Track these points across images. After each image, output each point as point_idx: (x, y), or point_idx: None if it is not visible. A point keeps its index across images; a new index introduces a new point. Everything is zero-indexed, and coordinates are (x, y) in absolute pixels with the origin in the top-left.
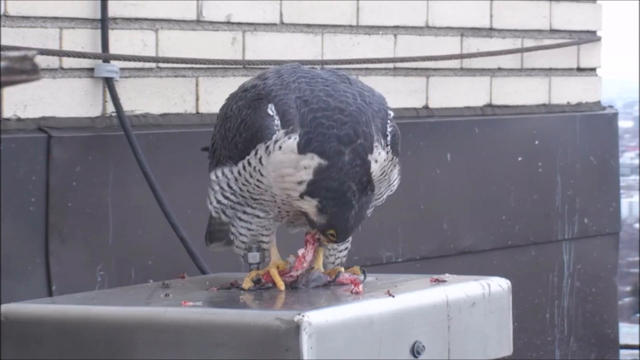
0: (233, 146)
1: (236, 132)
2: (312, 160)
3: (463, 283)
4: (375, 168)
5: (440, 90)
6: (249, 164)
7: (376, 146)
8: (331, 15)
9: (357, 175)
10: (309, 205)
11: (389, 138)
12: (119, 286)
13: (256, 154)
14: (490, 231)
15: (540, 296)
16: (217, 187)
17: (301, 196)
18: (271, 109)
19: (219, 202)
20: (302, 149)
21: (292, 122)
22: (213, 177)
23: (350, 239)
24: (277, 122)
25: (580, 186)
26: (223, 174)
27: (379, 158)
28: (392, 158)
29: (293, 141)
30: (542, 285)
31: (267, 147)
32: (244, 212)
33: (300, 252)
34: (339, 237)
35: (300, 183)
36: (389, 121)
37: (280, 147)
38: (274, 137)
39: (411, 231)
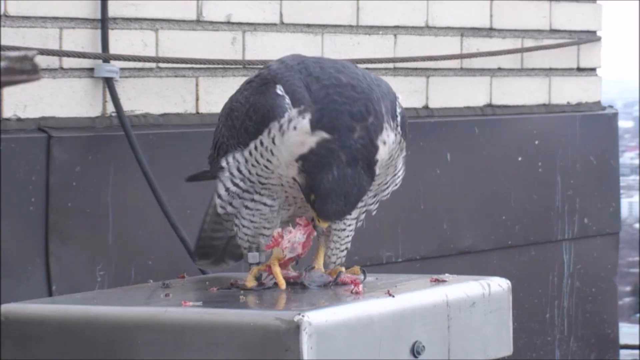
0: (243, 131)
1: (245, 117)
2: (319, 136)
3: (463, 283)
4: (384, 151)
5: (440, 90)
6: (262, 143)
7: (386, 127)
8: (331, 15)
9: (355, 151)
10: (295, 168)
11: (398, 119)
12: (119, 286)
13: (269, 133)
14: (490, 231)
15: (540, 296)
16: (227, 174)
17: (296, 161)
18: (280, 89)
19: (227, 190)
20: (314, 125)
21: (302, 101)
22: (223, 163)
23: (349, 239)
24: (288, 100)
25: (580, 186)
26: (234, 158)
27: (388, 140)
28: (401, 141)
29: (307, 121)
30: (542, 285)
31: (281, 126)
32: (252, 200)
33: (276, 231)
34: (317, 204)
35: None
36: (398, 103)
37: (295, 127)
38: (287, 116)
39: (411, 231)
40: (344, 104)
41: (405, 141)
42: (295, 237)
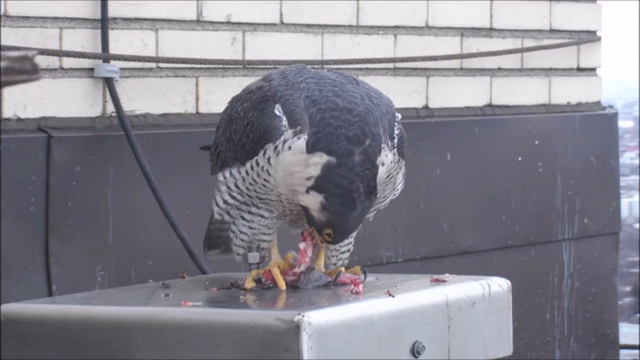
0: (240, 147)
1: (243, 133)
2: (321, 158)
3: (463, 283)
4: (382, 171)
5: (440, 90)
6: (257, 164)
7: (383, 147)
8: (331, 15)
9: (366, 177)
10: (314, 201)
11: (395, 140)
12: (119, 286)
13: (264, 154)
14: (490, 231)
15: (540, 296)
16: (224, 188)
17: (307, 191)
18: (278, 110)
19: (225, 202)
20: (311, 148)
21: (300, 122)
22: (221, 177)
23: (352, 241)
24: (285, 122)
25: (580, 186)
26: (231, 174)
27: (386, 160)
28: (399, 160)
29: (302, 142)
30: (542, 285)
31: (276, 147)
32: (249, 212)
33: (302, 246)
34: (336, 238)
35: (309, 179)
36: (396, 123)
37: (290, 148)
38: (282, 138)
39: (411, 231)
40: (340, 127)
41: (404, 160)
42: (309, 251)
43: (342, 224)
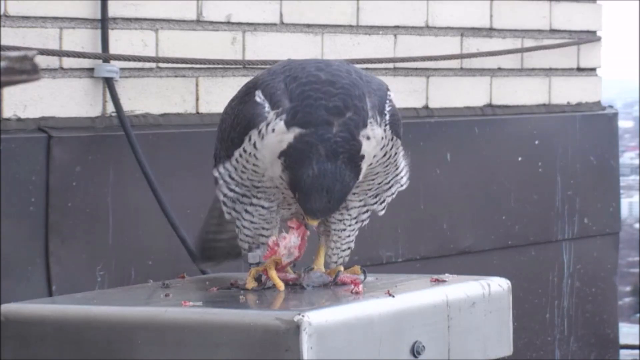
0: (229, 142)
1: (231, 129)
2: (295, 132)
3: (463, 283)
4: (369, 146)
5: (440, 90)
6: (245, 151)
7: (370, 122)
8: (331, 15)
9: (335, 144)
10: (279, 169)
11: (387, 117)
12: (119, 286)
13: (250, 139)
14: (490, 231)
15: (540, 296)
16: (221, 182)
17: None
18: (259, 96)
19: (225, 195)
20: (289, 122)
21: (281, 103)
22: (216, 173)
23: (353, 239)
24: (267, 107)
25: (580, 186)
26: (225, 168)
27: (373, 135)
28: (392, 138)
29: (282, 122)
30: (542, 285)
31: (260, 131)
32: (251, 204)
33: (271, 240)
34: (303, 204)
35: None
36: (387, 101)
37: (273, 130)
38: (265, 122)
39: (411, 231)
40: (320, 99)
41: (400, 139)
42: (290, 242)
43: (298, 181)
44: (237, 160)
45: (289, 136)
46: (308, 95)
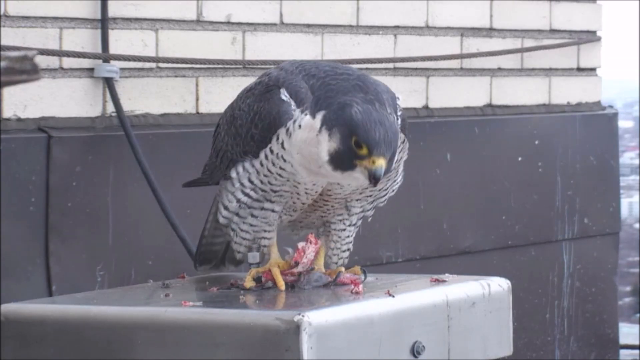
0: (249, 139)
1: (250, 125)
2: (321, 115)
3: (463, 283)
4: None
5: (440, 90)
6: (271, 151)
7: (390, 112)
8: (331, 15)
9: (367, 101)
10: (323, 138)
11: (399, 121)
12: (119, 286)
13: (277, 139)
14: (490, 231)
15: (540, 296)
16: (237, 184)
17: (317, 135)
18: (284, 94)
19: (238, 200)
20: (313, 110)
21: (305, 99)
22: (233, 174)
23: (351, 240)
24: (293, 105)
25: (580, 186)
26: (244, 169)
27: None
28: (404, 140)
29: (309, 116)
30: (542, 285)
31: (288, 130)
32: (261, 209)
33: (300, 245)
34: (364, 138)
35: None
36: (398, 104)
37: (300, 126)
38: (293, 119)
39: (411, 231)
40: (338, 84)
41: (407, 143)
42: (308, 255)
43: (351, 121)
44: (261, 163)
45: (317, 122)
46: (328, 83)
